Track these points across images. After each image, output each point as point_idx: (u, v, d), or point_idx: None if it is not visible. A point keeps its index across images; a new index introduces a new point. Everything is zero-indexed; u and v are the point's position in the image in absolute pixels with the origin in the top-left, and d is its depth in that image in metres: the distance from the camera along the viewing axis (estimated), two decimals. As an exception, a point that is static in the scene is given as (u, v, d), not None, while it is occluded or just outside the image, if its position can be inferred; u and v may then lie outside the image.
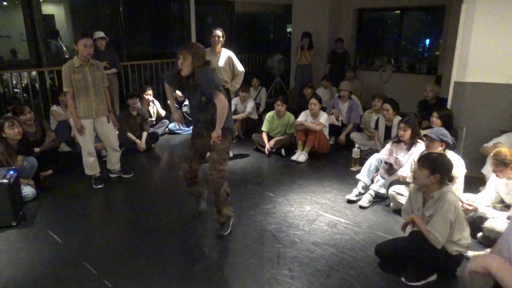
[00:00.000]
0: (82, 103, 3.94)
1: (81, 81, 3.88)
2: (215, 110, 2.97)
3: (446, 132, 3.34)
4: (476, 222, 3.11)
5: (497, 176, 3.11)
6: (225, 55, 4.79)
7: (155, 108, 6.29)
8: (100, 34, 5.66)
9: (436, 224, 2.48)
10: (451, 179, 2.68)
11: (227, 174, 3.16)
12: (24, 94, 5.67)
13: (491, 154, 3.12)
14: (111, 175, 4.49)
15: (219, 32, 4.66)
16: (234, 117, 5.73)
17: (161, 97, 7.14)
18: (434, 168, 2.55)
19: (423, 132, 3.81)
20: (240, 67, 4.87)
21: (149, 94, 6.07)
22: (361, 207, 3.76)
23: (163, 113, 6.41)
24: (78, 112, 3.95)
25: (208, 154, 3.26)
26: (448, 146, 3.34)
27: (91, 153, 4.15)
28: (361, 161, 4.57)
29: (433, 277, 2.65)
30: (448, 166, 2.62)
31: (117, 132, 4.43)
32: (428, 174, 2.57)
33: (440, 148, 3.29)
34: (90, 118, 4.02)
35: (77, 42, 3.85)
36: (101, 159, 4.74)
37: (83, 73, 3.89)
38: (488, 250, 2.86)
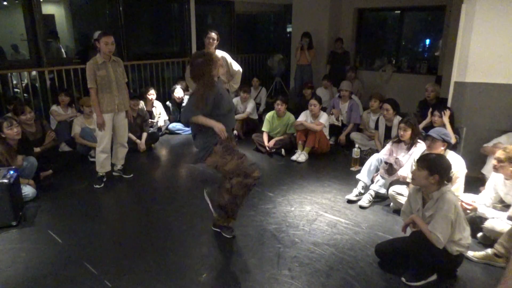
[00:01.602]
0: (105, 99, 4.06)
1: (105, 77, 4.02)
2: None
3: (447, 131, 3.35)
4: (476, 222, 3.11)
5: (495, 170, 3.09)
6: (219, 55, 4.83)
7: (158, 109, 6.26)
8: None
9: (437, 224, 2.48)
10: (449, 179, 2.68)
11: None
12: (24, 94, 5.67)
13: (502, 148, 3.09)
14: (113, 173, 4.51)
15: (214, 35, 4.74)
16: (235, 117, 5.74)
17: (161, 98, 7.13)
18: (433, 169, 2.55)
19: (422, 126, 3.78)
20: (236, 66, 4.90)
21: (151, 94, 6.07)
22: (361, 207, 3.76)
23: (166, 117, 6.39)
24: (100, 107, 4.06)
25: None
26: (449, 146, 3.34)
27: (104, 150, 4.21)
28: (361, 161, 4.57)
29: (433, 277, 2.65)
30: (446, 167, 2.62)
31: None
32: (427, 175, 2.57)
33: (441, 148, 3.29)
34: (112, 113, 4.13)
35: (99, 40, 3.99)
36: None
37: (106, 69, 4.02)
38: (489, 250, 2.87)
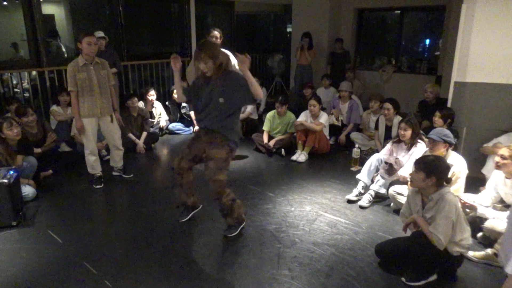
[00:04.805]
0: (86, 102, 3.94)
1: (86, 80, 3.88)
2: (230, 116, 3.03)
3: (448, 132, 3.33)
4: (476, 222, 3.11)
5: (497, 168, 3.07)
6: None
7: (158, 109, 6.26)
8: (100, 34, 5.66)
9: (439, 225, 2.48)
10: (448, 180, 2.68)
11: (224, 183, 3.01)
12: (25, 94, 5.67)
13: (505, 147, 3.08)
14: (114, 173, 4.51)
15: (217, 33, 4.64)
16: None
17: (161, 98, 7.14)
18: (430, 171, 2.55)
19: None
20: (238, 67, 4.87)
21: (151, 95, 6.07)
22: (361, 207, 3.76)
23: (166, 117, 6.39)
24: (82, 111, 3.95)
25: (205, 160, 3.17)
26: (451, 146, 3.33)
27: (92, 152, 4.17)
28: (361, 161, 4.57)
29: (433, 277, 2.65)
30: (443, 168, 2.61)
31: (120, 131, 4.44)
32: (424, 177, 2.56)
33: (443, 149, 3.28)
34: (94, 117, 4.03)
35: (81, 40, 3.84)
36: (101, 159, 4.74)
37: (87, 72, 3.89)
38: (489, 250, 2.87)
